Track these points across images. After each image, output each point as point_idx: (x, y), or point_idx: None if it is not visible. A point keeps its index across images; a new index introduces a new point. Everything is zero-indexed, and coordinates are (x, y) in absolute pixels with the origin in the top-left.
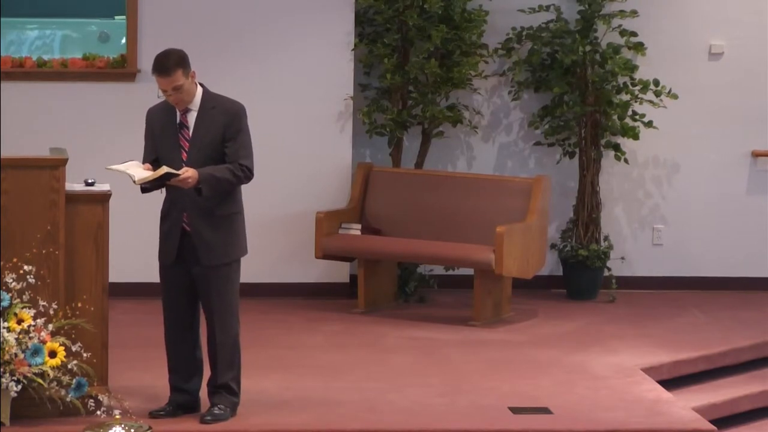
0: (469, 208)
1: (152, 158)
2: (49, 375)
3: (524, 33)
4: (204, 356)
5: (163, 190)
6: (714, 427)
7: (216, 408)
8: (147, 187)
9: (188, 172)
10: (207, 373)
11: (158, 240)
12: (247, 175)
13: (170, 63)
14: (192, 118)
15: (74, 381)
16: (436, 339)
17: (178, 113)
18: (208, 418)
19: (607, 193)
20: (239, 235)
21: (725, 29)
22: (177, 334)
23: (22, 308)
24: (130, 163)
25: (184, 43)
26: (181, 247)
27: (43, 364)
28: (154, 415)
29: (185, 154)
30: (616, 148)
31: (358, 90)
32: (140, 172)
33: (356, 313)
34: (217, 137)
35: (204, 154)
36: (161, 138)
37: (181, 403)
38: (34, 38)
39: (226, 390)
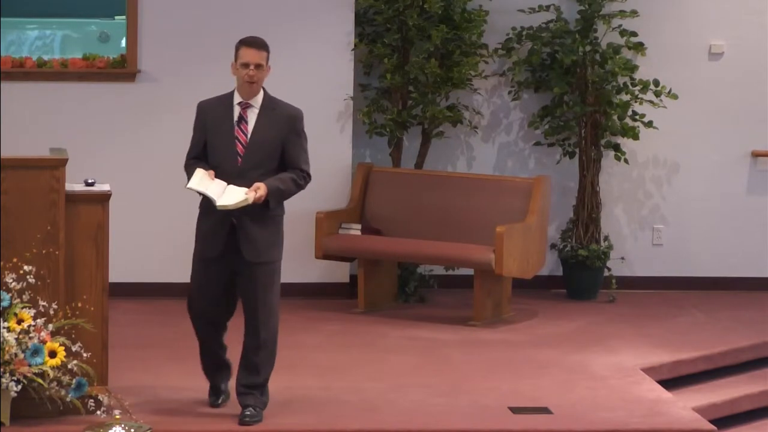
0: (469, 208)
1: (199, 149)
2: (49, 375)
3: (524, 33)
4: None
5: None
6: (714, 427)
7: (249, 409)
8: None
9: (261, 190)
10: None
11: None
12: (307, 180)
13: (262, 41)
14: (253, 114)
15: (74, 381)
16: (436, 339)
17: (236, 108)
18: (247, 419)
19: (607, 193)
20: (281, 237)
21: (725, 29)
22: (211, 332)
23: (22, 308)
24: (198, 174)
25: (184, 44)
26: (227, 241)
27: (43, 364)
28: (215, 404)
29: (241, 148)
30: (616, 148)
31: (358, 90)
32: (215, 188)
33: (356, 313)
34: (276, 139)
35: (262, 151)
36: (215, 130)
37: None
38: (34, 38)
39: (260, 391)
